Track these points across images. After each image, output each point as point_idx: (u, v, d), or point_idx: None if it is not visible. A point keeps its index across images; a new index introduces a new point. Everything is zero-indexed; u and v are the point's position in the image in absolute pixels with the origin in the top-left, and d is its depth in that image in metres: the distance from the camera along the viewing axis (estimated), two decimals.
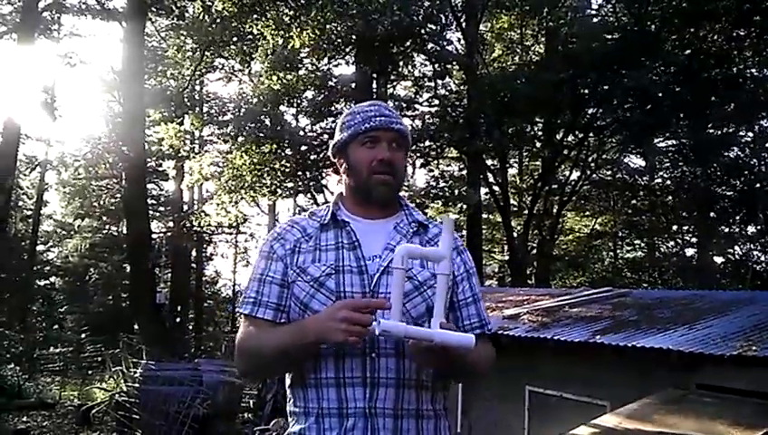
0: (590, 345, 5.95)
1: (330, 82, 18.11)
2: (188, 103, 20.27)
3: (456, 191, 17.81)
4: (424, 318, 1.67)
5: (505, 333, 7.04)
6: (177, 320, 25.91)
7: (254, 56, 17.97)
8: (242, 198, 18.64)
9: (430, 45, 17.55)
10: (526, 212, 18.33)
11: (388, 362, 1.67)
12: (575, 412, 5.82)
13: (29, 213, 25.27)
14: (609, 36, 14.84)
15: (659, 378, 5.25)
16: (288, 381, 1.79)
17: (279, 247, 1.80)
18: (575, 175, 18.40)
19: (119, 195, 23.31)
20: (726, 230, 18.11)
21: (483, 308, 1.87)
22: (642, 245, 22.76)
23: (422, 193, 18.52)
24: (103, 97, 19.62)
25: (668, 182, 19.50)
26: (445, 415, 1.80)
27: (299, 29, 14.89)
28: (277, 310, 1.75)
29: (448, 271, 1.63)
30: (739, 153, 17.01)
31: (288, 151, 17.23)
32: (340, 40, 17.20)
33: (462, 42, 18.45)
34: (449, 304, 1.77)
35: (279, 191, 18.82)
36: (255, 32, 16.01)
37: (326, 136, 18.28)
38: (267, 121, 17.65)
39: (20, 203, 25.04)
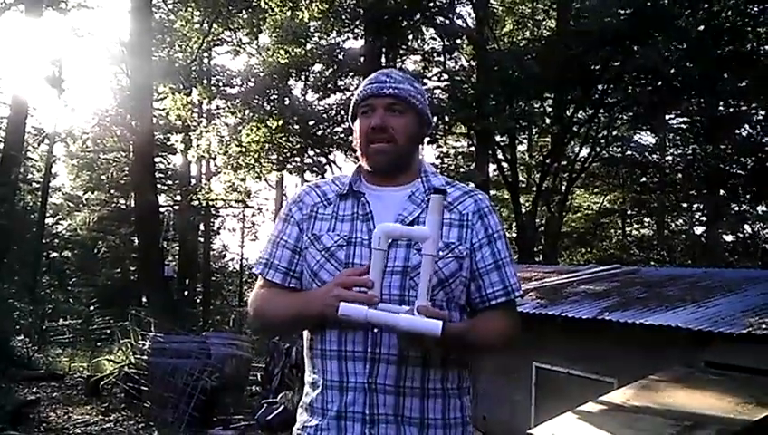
0: (598, 322, 5.94)
1: (338, 56, 17.96)
2: (196, 76, 20.16)
3: (463, 169, 17.70)
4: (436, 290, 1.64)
5: None
6: (185, 293, 26.07)
7: (262, 29, 17.84)
8: (248, 175, 18.61)
9: (440, 19, 17.35)
10: (534, 189, 18.25)
11: (390, 338, 1.61)
12: (582, 389, 5.82)
13: (37, 185, 25.29)
14: (622, 12, 14.64)
15: (668, 355, 5.24)
16: (305, 350, 1.81)
17: (297, 211, 1.83)
18: (585, 152, 18.27)
19: (127, 168, 23.29)
20: (736, 208, 17.99)
21: (510, 274, 1.77)
22: (651, 222, 22.71)
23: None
24: (111, 69, 19.45)
25: (678, 160, 19.37)
26: (458, 394, 1.74)
27: (307, 1, 14.75)
28: (286, 274, 1.79)
29: (434, 251, 1.56)
30: (750, 131, 16.84)
31: (295, 127, 17.15)
32: (348, 13, 17.03)
33: (472, 16, 18.24)
34: (470, 273, 1.73)
35: (286, 167, 18.77)
36: (263, 4, 15.86)
37: (333, 111, 18.18)
38: (274, 96, 17.55)
39: (28, 175, 25.07)
